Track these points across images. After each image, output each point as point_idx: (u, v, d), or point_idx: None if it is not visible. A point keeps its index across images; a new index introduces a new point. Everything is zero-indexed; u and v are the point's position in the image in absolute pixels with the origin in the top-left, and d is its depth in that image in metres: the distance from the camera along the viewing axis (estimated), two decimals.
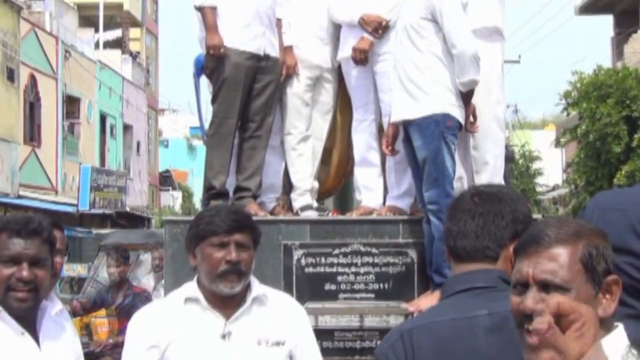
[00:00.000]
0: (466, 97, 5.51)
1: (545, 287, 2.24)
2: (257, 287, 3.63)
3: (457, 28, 5.39)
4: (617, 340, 2.25)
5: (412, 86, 5.42)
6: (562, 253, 2.26)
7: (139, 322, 3.66)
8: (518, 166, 38.56)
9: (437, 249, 5.33)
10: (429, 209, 5.36)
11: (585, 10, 34.67)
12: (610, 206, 3.74)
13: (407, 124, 5.47)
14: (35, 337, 3.36)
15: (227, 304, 3.54)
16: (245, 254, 3.53)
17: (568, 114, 25.30)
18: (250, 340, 3.53)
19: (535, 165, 40.35)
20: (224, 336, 3.52)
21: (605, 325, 2.27)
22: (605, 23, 36.54)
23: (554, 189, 38.89)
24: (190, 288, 3.60)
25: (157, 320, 3.61)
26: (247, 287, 3.59)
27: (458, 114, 5.45)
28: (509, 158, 35.78)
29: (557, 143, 30.39)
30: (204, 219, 3.67)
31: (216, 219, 3.59)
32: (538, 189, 40.15)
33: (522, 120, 44.89)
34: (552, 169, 40.50)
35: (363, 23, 5.90)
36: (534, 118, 49.53)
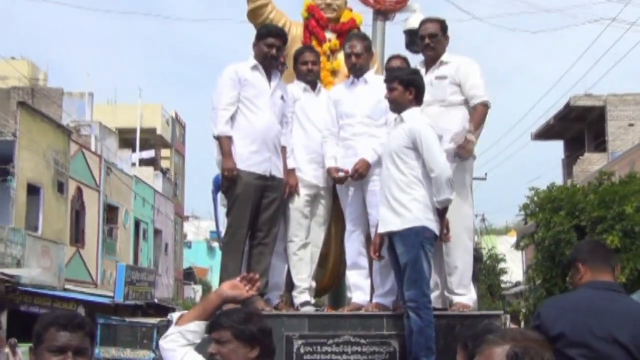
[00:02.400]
0: (441, 212, 5.52)
1: None
2: None
3: (435, 156, 5.42)
4: None
5: (397, 204, 5.43)
6: (498, 352, 2.35)
7: None
8: (486, 266, 38.25)
9: (416, 340, 5.29)
10: (409, 306, 5.33)
11: (540, 137, 34.89)
12: (565, 309, 3.84)
13: (391, 235, 5.47)
14: None
15: None
16: (224, 349, 3.45)
17: (527, 223, 25.22)
18: None
19: (501, 266, 40.02)
20: None
21: None
22: (557, 148, 36.80)
23: (516, 285, 38.46)
24: None
25: None
26: None
27: (434, 227, 5.45)
28: (479, 259, 35.55)
29: (518, 247, 30.18)
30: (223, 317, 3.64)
31: (231, 316, 3.57)
32: (503, 285, 39.77)
33: (489, 227, 44.75)
34: (514, 269, 40.17)
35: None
36: (498, 226, 49.35)
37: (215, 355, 3.47)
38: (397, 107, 5.61)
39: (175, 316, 3.90)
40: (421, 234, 5.38)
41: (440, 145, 5.56)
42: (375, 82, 6.19)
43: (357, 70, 6.24)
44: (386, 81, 5.72)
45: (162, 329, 29.57)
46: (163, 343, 3.74)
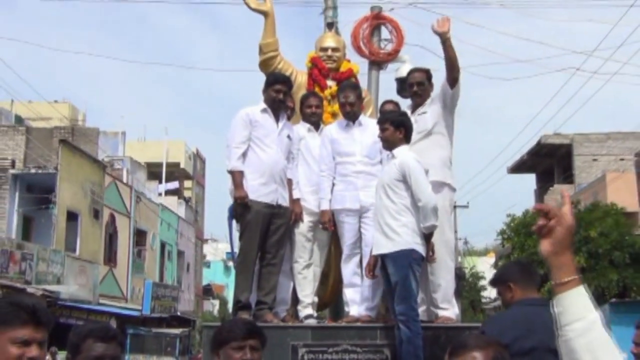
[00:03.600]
0: (427, 236, 5.51)
1: None
2: None
3: (422, 187, 5.41)
4: None
5: (388, 229, 5.41)
6: (478, 356, 2.38)
7: None
8: (468, 283, 38.07)
9: (406, 349, 5.26)
10: (400, 319, 5.30)
11: (514, 170, 34.88)
12: (506, 325, 3.84)
13: (384, 257, 5.45)
14: None
15: None
16: (257, 354, 3.42)
17: (504, 246, 25.13)
18: None
19: (481, 283, 39.80)
20: None
21: None
22: (529, 180, 36.74)
23: (495, 300, 38.24)
24: None
25: None
26: None
27: (421, 249, 5.43)
28: (462, 277, 35.39)
29: (496, 266, 30.18)
30: (225, 328, 3.57)
31: (235, 327, 3.51)
32: (483, 300, 39.51)
33: (471, 249, 44.59)
34: None
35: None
36: (479, 247, 49.10)
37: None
38: (389, 144, 5.62)
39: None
40: (410, 256, 5.36)
41: (426, 178, 5.56)
42: (368, 125, 6.21)
43: (351, 116, 6.24)
44: (379, 122, 5.73)
45: (184, 338, 29.60)
46: None
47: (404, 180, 5.43)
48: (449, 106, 6.10)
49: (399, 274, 5.33)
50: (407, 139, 5.65)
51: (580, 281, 2.03)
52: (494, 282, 4.62)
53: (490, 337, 2.77)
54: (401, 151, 5.57)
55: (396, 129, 5.58)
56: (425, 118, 6.06)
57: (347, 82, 6.60)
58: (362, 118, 6.31)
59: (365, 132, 6.16)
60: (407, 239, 5.38)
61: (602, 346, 1.98)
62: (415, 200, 5.42)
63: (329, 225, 6.08)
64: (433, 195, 5.50)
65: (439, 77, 6.21)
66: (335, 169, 6.17)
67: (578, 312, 2.00)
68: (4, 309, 2.70)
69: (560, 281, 2.04)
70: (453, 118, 6.23)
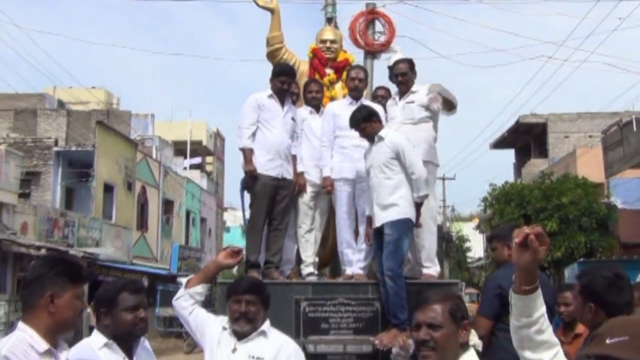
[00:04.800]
0: (418, 205, 5.49)
1: (430, 326, 2.46)
2: (265, 326, 3.57)
3: (415, 162, 5.39)
4: (470, 356, 2.50)
5: (387, 203, 5.38)
6: (437, 308, 2.48)
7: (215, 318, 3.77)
8: (455, 245, 38.23)
9: (393, 301, 5.26)
10: (387, 274, 5.25)
11: (496, 146, 34.83)
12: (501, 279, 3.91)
13: (384, 225, 5.38)
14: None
15: (241, 334, 3.54)
16: (253, 308, 3.51)
17: (486, 212, 25.21)
18: (246, 355, 3.49)
19: (466, 245, 40.05)
20: (233, 350, 3.52)
21: (463, 348, 2.50)
22: (509, 155, 36.71)
23: (478, 260, 38.46)
24: (226, 320, 3.64)
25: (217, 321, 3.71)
26: (258, 326, 3.55)
27: (414, 216, 5.42)
28: (449, 240, 35.53)
29: (479, 230, 30.26)
30: (231, 284, 3.71)
31: (237, 285, 3.64)
32: (468, 260, 39.77)
33: (457, 215, 44.66)
34: (476, 247, 40.12)
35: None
36: (464, 214, 49.16)
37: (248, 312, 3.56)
38: (372, 135, 5.54)
39: (183, 281, 3.98)
40: (407, 223, 5.35)
41: (417, 152, 5.53)
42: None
43: (357, 92, 6.18)
44: (353, 126, 5.61)
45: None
46: (176, 303, 3.86)
47: (398, 157, 5.39)
48: (430, 110, 6.03)
49: (394, 235, 5.30)
50: (381, 122, 5.58)
51: (537, 288, 2.23)
52: (493, 238, 4.59)
53: (449, 291, 2.91)
54: (386, 133, 5.52)
55: (371, 121, 5.49)
56: (412, 107, 6.00)
57: (358, 64, 6.57)
58: (364, 100, 6.27)
59: None
60: (405, 210, 5.37)
61: (537, 336, 2.26)
62: (409, 174, 5.40)
63: (330, 189, 6.06)
64: (424, 168, 5.48)
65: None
66: (335, 142, 6.14)
67: (528, 311, 2.24)
68: (74, 267, 2.77)
69: (524, 288, 2.22)
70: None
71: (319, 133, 6.23)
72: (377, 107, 5.92)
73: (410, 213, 5.38)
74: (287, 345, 3.60)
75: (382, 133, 5.51)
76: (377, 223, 5.44)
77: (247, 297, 3.51)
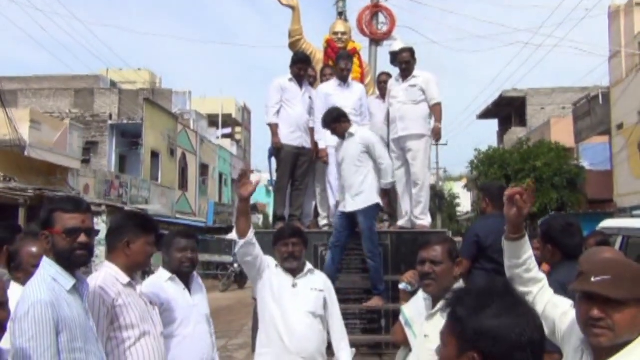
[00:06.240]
0: (384, 191, 5.55)
1: (432, 262, 2.65)
2: (310, 266, 3.68)
3: (383, 154, 5.37)
4: (460, 285, 2.66)
5: (356, 191, 5.32)
6: (438, 248, 2.66)
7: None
8: (447, 201, 38.29)
9: (373, 276, 5.35)
10: (368, 255, 5.31)
11: (482, 116, 34.46)
12: (490, 230, 4.06)
13: (356, 212, 5.32)
14: (189, 291, 3.41)
15: (293, 272, 3.58)
16: (298, 247, 3.57)
17: (472, 173, 25.24)
18: (307, 287, 3.54)
19: (456, 201, 40.03)
20: (293, 285, 3.55)
21: (456, 279, 2.69)
22: (493, 124, 36.39)
23: (466, 214, 38.56)
24: (273, 262, 3.63)
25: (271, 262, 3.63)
26: (304, 264, 3.62)
27: (380, 201, 5.39)
28: (442, 197, 35.59)
29: (467, 188, 30.33)
30: (277, 231, 3.76)
31: (282, 231, 3.70)
32: (458, 214, 39.80)
33: (449, 176, 44.64)
34: (465, 203, 40.18)
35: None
36: (455, 174, 49.07)
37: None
38: (342, 133, 5.43)
39: (233, 234, 3.64)
40: (375, 209, 5.37)
41: (383, 145, 5.54)
42: (354, 86, 6.13)
43: (343, 77, 6.10)
44: (325, 127, 5.50)
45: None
46: (241, 251, 3.46)
47: (368, 151, 5.31)
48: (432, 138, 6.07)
49: (367, 222, 5.25)
50: (348, 122, 5.42)
51: (524, 236, 2.25)
52: (479, 190, 4.67)
53: (447, 236, 3.10)
54: (356, 130, 5.42)
55: (337, 124, 5.38)
56: (414, 91, 5.99)
57: (344, 52, 6.33)
58: (350, 81, 6.18)
59: (353, 91, 6.11)
60: (372, 197, 5.28)
61: (525, 274, 2.27)
62: (378, 164, 5.31)
63: (325, 160, 6.03)
64: (390, 159, 5.48)
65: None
66: None
67: (517, 254, 2.26)
68: (146, 220, 2.90)
69: (512, 236, 2.25)
70: None
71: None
72: (376, 104, 5.89)
73: (377, 199, 5.31)
74: (327, 279, 3.75)
75: (352, 130, 5.40)
76: (349, 208, 5.32)
77: (293, 240, 3.56)
